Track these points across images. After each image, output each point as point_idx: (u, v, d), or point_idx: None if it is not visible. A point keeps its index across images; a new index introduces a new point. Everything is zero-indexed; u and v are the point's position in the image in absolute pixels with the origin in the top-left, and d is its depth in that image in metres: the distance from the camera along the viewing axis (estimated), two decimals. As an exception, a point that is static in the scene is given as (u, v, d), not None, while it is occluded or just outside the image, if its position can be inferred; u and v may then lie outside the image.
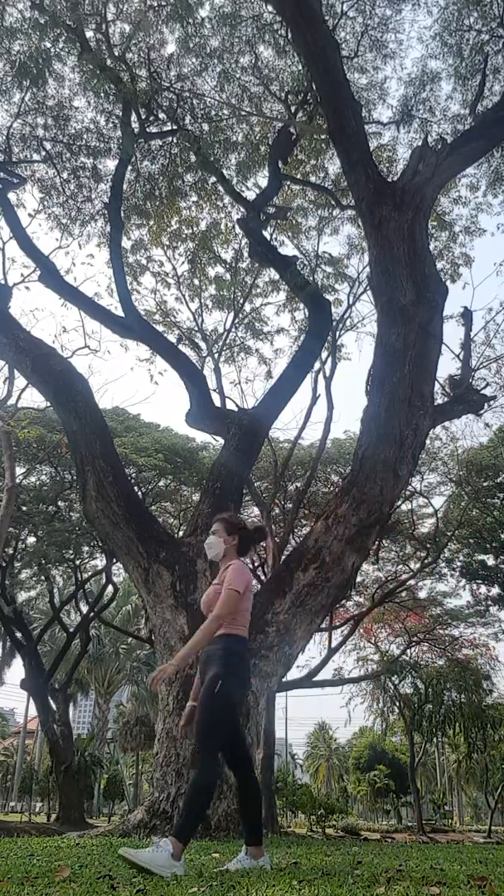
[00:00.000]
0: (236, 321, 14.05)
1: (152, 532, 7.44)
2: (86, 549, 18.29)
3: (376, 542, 13.28)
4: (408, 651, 23.08)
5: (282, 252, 10.16)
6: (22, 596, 22.39)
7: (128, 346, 12.56)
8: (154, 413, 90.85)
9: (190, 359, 10.18)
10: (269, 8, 9.04)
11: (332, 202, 11.63)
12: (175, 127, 10.06)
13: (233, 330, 14.14)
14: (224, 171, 10.45)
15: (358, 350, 41.01)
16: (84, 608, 22.50)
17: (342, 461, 16.69)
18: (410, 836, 25.32)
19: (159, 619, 7.04)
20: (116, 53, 9.35)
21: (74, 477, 11.80)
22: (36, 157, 10.48)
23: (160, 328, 13.06)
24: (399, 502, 13.94)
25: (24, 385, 12.55)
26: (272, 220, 11.04)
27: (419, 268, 7.55)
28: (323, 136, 10.30)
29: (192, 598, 6.84)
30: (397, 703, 28.42)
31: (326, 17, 8.66)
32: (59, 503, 16.98)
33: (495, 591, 19.29)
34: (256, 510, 17.30)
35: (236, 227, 11.34)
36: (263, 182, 10.45)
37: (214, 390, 12.44)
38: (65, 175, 10.67)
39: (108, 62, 9.10)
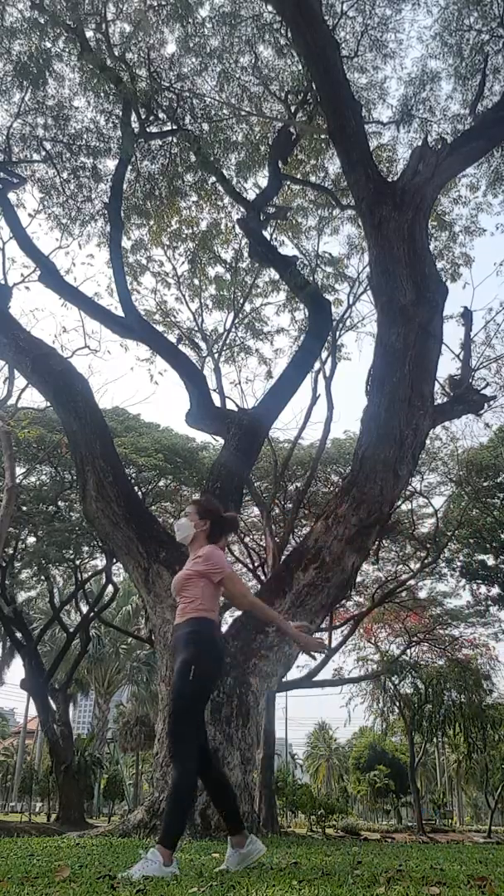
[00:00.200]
0: (236, 321, 14.06)
1: (152, 532, 7.43)
2: (86, 549, 18.29)
3: (376, 542, 13.29)
4: (408, 651, 23.08)
5: (282, 252, 10.16)
6: (22, 596, 22.41)
7: (128, 346, 12.56)
8: (154, 413, 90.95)
9: (190, 359, 10.17)
10: (269, 8, 9.05)
11: (332, 202, 11.63)
12: (175, 127, 10.06)
13: (233, 330, 14.14)
14: (224, 171, 10.46)
15: (358, 350, 41.04)
16: (84, 608, 22.51)
17: (342, 461, 16.69)
18: (410, 836, 25.33)
19: (159, 619, 7.04)
20: (116, 53, 9.36)
21: (74, 477, 11.80)
22: (36, 157, 10.49)
23: (160, 328, 13.06)
24: (399, 502, 13.94)
25: (24, 385, 12.56)
26: (272, 220, 11.04)
27: (419, 268, 7.55)
28: (323, 136, 10.31)
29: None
30: (397, 703, 28.42)
31: (326, 17, 8.66)
32: (59, 503, 16.98)
33: (495, 591, 19.30)
34: (256, 510, 17.30)
35: (236, 227, 11.34)
36: (263, 182, 10.45)
37: (214, 390, 12.45)
38: (65, 175, 10.67)
39: (108, 62, 9.10)
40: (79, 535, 16.69)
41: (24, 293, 43.61)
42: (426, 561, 18.08)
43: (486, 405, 9.13)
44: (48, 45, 9.02)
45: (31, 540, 17.77)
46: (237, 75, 10.12)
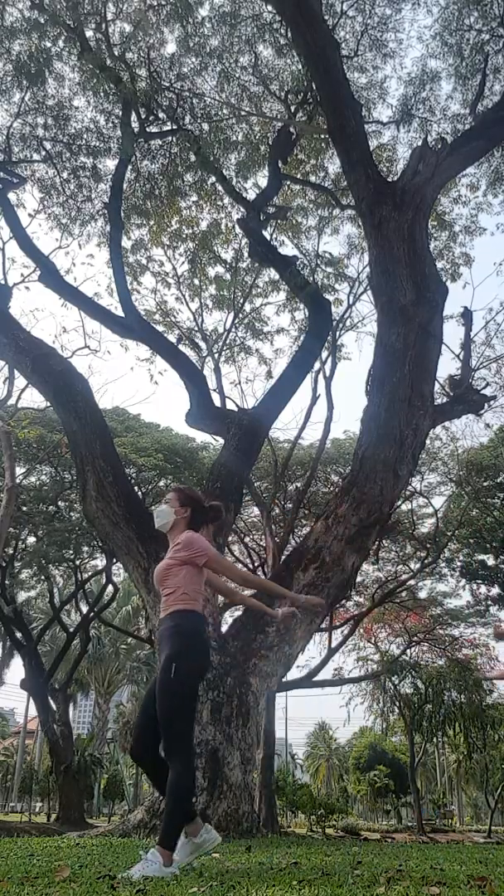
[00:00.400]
0: (236, 321, 14.05)
1: (152, 532, 7.41)
2: (86, 549, 18.28)
3: (376, 542, 13.28)
4: (408, 651, 23.06)
5: (282, 252, 10.16)
6: (22, 596, 22.41)
7: (128, 346, 12.56)
8: (154, 413, 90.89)
9: (190, 359, 10.17)
10: (269, 7, 9.05)
11: (332, 202, 11.63)
12: (175, 127, 10.07)
13: (233, 330, 14.14)
14: (224, 171, 10.46)
15: (358, 350, 41.02)
16: (84, 608, 22.50)
17: (342, 461, 16.69)
18: (410, 836, 25.32)
19: (159, 620, 7.04)
20: (116, 53, 9.36)
21: (74, 477, 11.80)
22: (36, 156, 10.49)
23: (160, 328, 13.05)
24: (399, 502, 13.93)
25: (24, 385, 12.55)
26: (272, 219, 11.04)
27: (419, 268, 7.55)
28: (323, 136, 10.31)
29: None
30: (397, 703, 28.41)
31: (326, 17, 8.66)
32: (59, 503, 16.97)
33: (495, 591, 19.28)
34: (256, 510, 17.30)
35: (236, 227, 11.34)
36: (263, 182, 10.45)
37: (214, 390, 12.44)
38: (65, 175, 10.67)
39: (108, 62, 9.10)
40: (79, 535, 16.69)
41: (24, 293, 43.62)
42: (426, 561, 18.07)
43: (486, 405, 9.13)
44: (48, 44, 9.02)
45: (31, 540, 17.77)
46: (237, 75, 10.12)
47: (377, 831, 29.98)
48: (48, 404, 11.32)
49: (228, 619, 15.06)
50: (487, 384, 10.40)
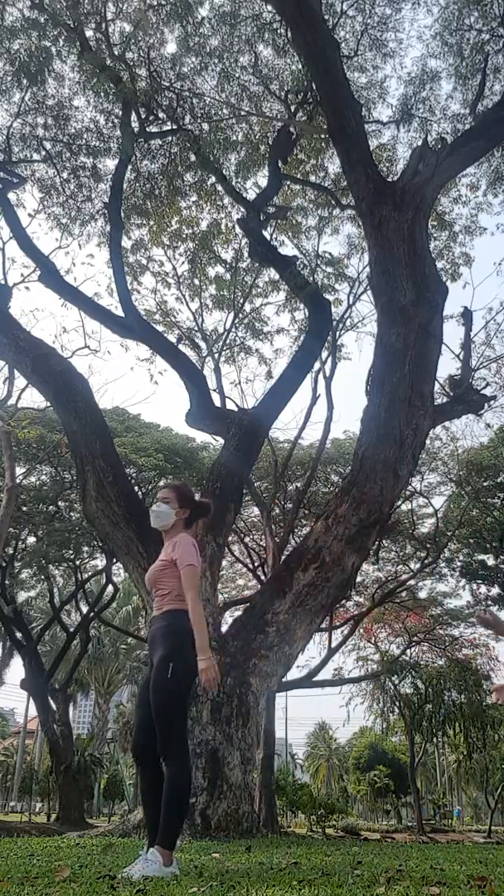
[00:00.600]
0: (236, 321, 14.05)
1: (152, 532, 7.40)
2: (86, 549, 18.28)
3: (376, 542, 13.27)
4: (408, 651, 23.06)
5: (282, 252, 10.16)
6: (22, 596, 22.40)
7: (128, 346, 12.54)
8: (154, 413, 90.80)
9: (190, 359, 10.17)
10: (269, 7, 9.04)
11: (332, 202, 11.63)
12: (175, 126, 10.06)
13: (233, 330, 14.13)
14: (224, 171, 10.45)
15: (358, 350, 41.00)
16: (84, 608, 22.49)
17: (342, 461, 16.68)
18: (410, 836, 25.31)
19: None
20: (116, 53, 9.35)
21: (74, 477, 11.80)
22: (36, 156, 10.48)
23: (160, 328, 13.05)
24: (399, 502, 13.93)
25: (24, 385, 12.54)
26: (272, 219, 11.04)
27: (419, 268, 7.55)
28: (323, 136, 10.30)
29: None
30: (397, 703, 28.40)
31: (326, 16, 8.66)
32: (59, 503, 16.97)
33: (495, 591, 19.29)
34: (256, 510, 17.29)
35: (236, 226, 11.34)
36: (263, 182, 10.45)
37: (214, 390, 12.43)
38: (65, 175, 10.67)
39: (108, 61, 9.10)
40: (79, 535, 16.69)
41: (24, 293, 43.58)
42: (426, 561, 18.06)
43: (486, 405, 9.14)
44: (48, 44, 9.01)
45: (31, 540, 17.76)
46: (237, 75, 10.12)
47: (377, 831, 29.97)
48: (48, 404, 11.31)
49: (228, 619, 15.05)
50: (487, 384, 10.41)
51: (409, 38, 26.75)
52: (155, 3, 9.16)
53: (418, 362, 7.30)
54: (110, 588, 20.85)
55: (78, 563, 19.33)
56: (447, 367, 33.58)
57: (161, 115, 10.03)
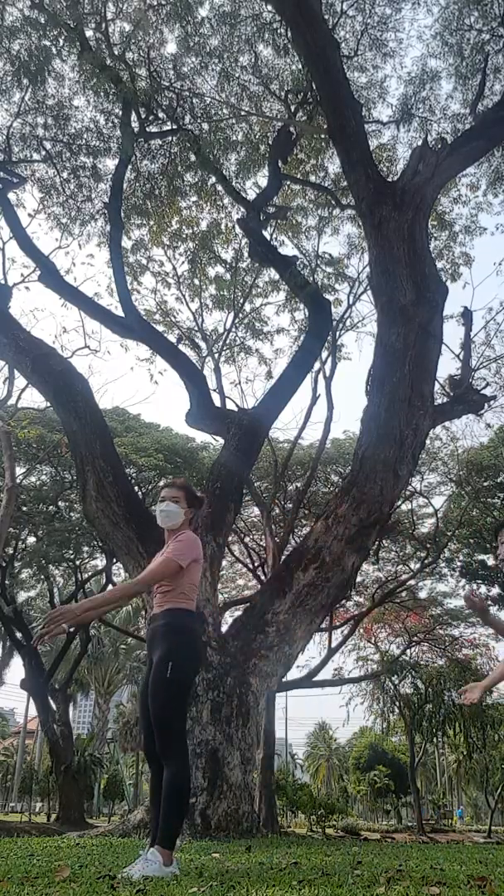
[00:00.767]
0: (236, 321, 14.05)
1: (152, 532, 7.42)
2: (86, 549, 18.29)
3: (376, 542, 13.27)
4: (408, 651, 23.06)
5: (282, 252, 10.16)
6: (22, 596, 22.40)
7: (128, 346, 12.56)
8: (154, 413, 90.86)
9: (190, 359, 10.17)
10: (269, 7, 9.04)
11: (332, 202, 11.63)
12: (175, 126, 10.06)
13: (233, 330, 14.13)
14: (224, 171, 10.45)
15: (358, 350, 40.98)
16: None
17: (342, 461, 16.68)
18: (410, 836, 25.31)
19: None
20: (116, 53, 9.35)
21: (74, 477, 11.80)
22: (36, 156, 10.48)
23: (160, 328, 13.05)
24: (399, 502, 13.93)
25: (24, 385, 12.55)
26: (272, 219, 11.04)
27: (419, 268, 7.55)
28: (323, 136, 10.30)
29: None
30: (397, 703, 28.40)
31: (326, 16, 8.66)
32: (59, 503, 16.98)
33: (495, 591, 19.28)
34: (256, 510, 17.29)
35: (236, 227, 11.34)
36: (263, 182, 10.45)
37: (214, 390, 12.43)
38: (65, 175, 10.67)
39: (108, 61, 9.10)
40: (79, 535, 16.69)
41: (24, 293, 43.59)
42: (426, 561, 18.07)
43: (486, 405, 9.14)
44: (48, 44, 9.01)
45: (31, 540, 17.77)
46: (237, 75, 10.12)
47: (377, 831, 29.97)
48: (48, 404, 11.32)
49: (228, 619, 15.05)
50: (487, 384, 10.42)
51: (409, 37, 26.79)
52: (155, 3, 9.16)
53: (418, 362, 7.30)
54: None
55: (78, 563, 19.33)
56: (447, 367, 33.59)
57: (161, 115, 10.03)
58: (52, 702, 19.55)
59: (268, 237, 11.15)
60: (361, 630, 21.54)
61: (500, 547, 3.30)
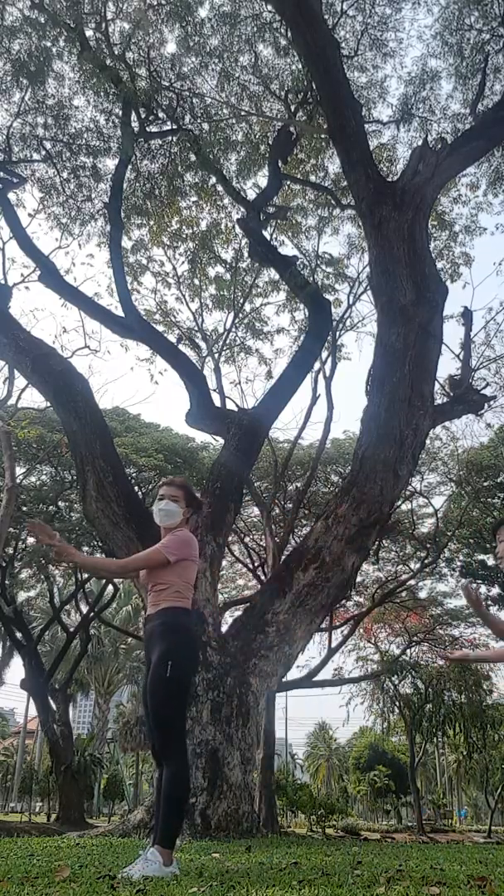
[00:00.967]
0: (236, 321, 14.05)
1: (152, 532, 7.36)
2: (86, 549, 18.26)
3: (376, 542, 13.28)
4: (408, 651, 23.07)
5: (282, 252, 10.16)
6: (22, 596, 22.40)
7: (128, 346, 12.55)
8: (154, 413, 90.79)
9: (190, 359, 10.17)
10: (269, 7, 9.05)
11: (332, 202, 11.63)
12: (175, 126, 10.07)
13: (233, 330, 14.13)
14: (224, 171, 10.46)
15: (358, 350, 40.97)
16: (84, 608, 22.50)
17: (342, 461, 16.68)
18: (410, 836, 25.31)
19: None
20: (116, 52, 9.36)
21: (74, 477, 11.79)
22: (36, 156, 10.48)
23: (160, 328, 13.05)
24: (399, 502, 13.93)
25: (24, 385, 12.54)
26: (272, 219, 11.04)
27: (419, 268, 7.55)
28: (323, 136, 10.30)
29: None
30: (397, 703, 28.41)
31: (326, 16, 8.66)
32: (59, 503, 16.98)
33: (495, 591, 19.28)
34: (256, 510, 17.30)
35: (236, 227, 11.34)
36: (263, 182, 10.45)
37: (214, 390, 12.43)
38: (65, 174, 10.67)
39: (108, 61, 9.10)
40: (79, 535, 16.69)
41: (24, 293, 43.62)
42: (426, 561, 18.07)
43: (486, 405, 9.14)
44: (48, 44, 9.01)
45: (31, 540, 17.75)
46: (237, 74, 10.12)
47: (377, 831, 29.97)
48: (48, 404, 11.31)
49: (228, 619, 15.05)
50: (487, 384, 10.42)
51: (409, 37, 26.73)
52: (155, 3, 9.16)
53: (418, 362, 7.30)
54: (110, 588, 20.86)
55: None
56: (447, 367, 33.62)
57: (161, 114, 10.03)
58: (52, 702, 19.56)
59: (268, 237, 11.15)
60: (361, 630, 21.56)
61: (500, 545, 3.29)
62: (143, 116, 9.76)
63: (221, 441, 9.17)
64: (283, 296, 13.71)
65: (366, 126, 8.82)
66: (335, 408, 14.14)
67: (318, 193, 12.06)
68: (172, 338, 12.56)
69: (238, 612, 12.35)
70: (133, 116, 9.63)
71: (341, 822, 29.19)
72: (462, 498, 17.49)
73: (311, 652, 61.31)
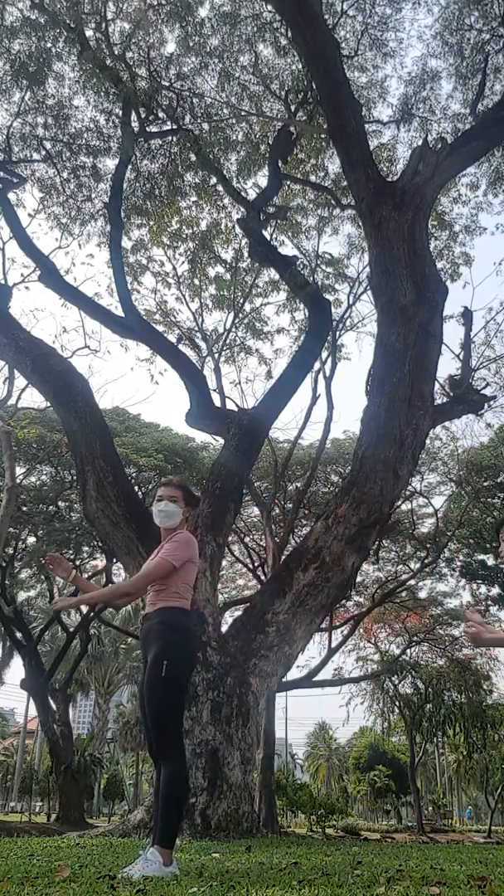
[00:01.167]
0: (236, 321, 14.05)
1: (152, 532, 7.38)
2: (86, 549, 18.29)
3: (376, 542, 13.28)
4: (408, 651, 23.07)
5: (282, 252, 10.16)
6: (22, 596, 22.40)
7: (128, 346, 12.55)
8: (154, 413, 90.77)
9: (190, 359, 10.17)
10: (269, 7, 9.05)
11: (333, 202, 11.63)
12: (175, 126, 10.06)
13: (233, 330, 14.13)
14: (224, 171, 10.45)
15: (358, 350, 40.96)
16: (84, 608, 22.48)
17: (342, 461, 16.68)
18: (410, 836, 25.31)
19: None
20: (116, 52, 9.36)
21: (74, 477, 11.79)
22: (36, 156, 10.48)
23: (160, 328, 13.05)
24: (399, 502, 13.93)
25: (24, 385, 12.54)
26: (272, 219, 11.04)
27: (419, 268, 7.55)
28: (323, 136, 10.30)
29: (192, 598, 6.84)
30: (397, 703, 28.40)
31: (326, 16, 8.66)
32: (59, 503, 16.97)
33: (495, 591, 19.29)
34: (256, 510, 17.30)
35: (236, 226, 11.34)
36: (263, 181, 10.45)
37: (214, 390, 12.43)
38: (65, 174, 10.67)
39: (108, 61, 9.10)
40: (79, 535, 16.69)
41: (24, 293, 43.62)
42: (426, 561, 18.07)
43: (486, 405, 9.14)
44: (48, 44, 9.01)
45: (31, 540, 17.77)
46: (237, 74, 10.12)
47: (377, 831, 29.97)
48: (48, 404, 11.31)
49: (228, 619, 15.05)
50: (487, 384, 10.42)
51: (409, 37, 26.74)
52: (155, 2, 9.16)
53: (418, 362, 7.30)
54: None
55: (78, 563, 19.32)
56: (447, 367, 33.61)
57: (161, 114, 10.03)
58: (52, 702, 19.54)
59: (268, 237, 11.15)
60: (361, 630, 21.55)
61: (502, 545, 3.28)
62: (143, 116, 9.76)
63: (221, 441, 9.17)
64: (283, 296, 13.72)
65: (366, 126, 8.82)
66: (335, 408, 14.15)
67: (318, 193, 12.06)
68: (172, 338, 12.56)
69: (238, 612, 12.36)
70: (133, 116, 9.63)
71: (341, 822, 29.19)
72: (462, 498, 17.49)
73: (311, 652, 61.30)
